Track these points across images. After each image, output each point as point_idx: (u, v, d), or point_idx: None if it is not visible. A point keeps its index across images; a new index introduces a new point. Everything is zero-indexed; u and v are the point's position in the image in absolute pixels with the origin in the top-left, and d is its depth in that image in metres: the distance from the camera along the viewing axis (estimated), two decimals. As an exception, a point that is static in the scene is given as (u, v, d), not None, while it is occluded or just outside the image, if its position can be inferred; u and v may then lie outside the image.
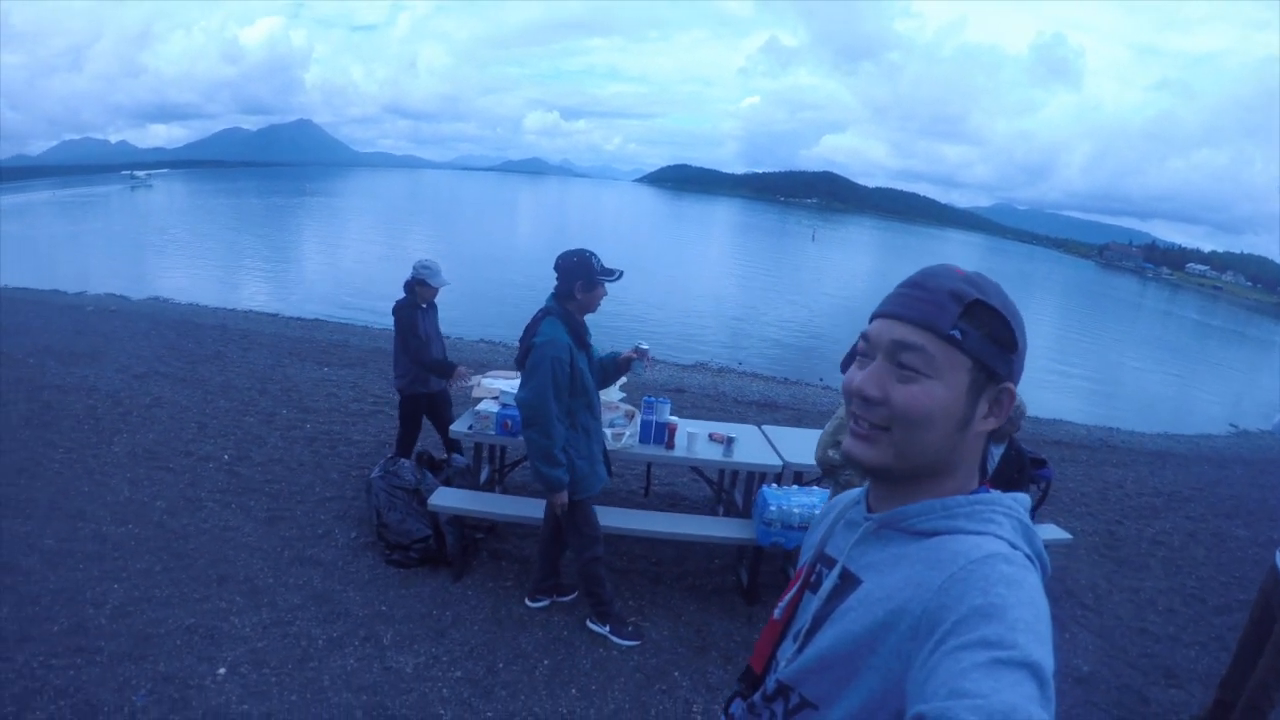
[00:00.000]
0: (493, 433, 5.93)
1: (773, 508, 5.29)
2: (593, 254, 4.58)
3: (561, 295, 4.59)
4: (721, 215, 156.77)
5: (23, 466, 6.75)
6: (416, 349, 6.46)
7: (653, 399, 6.00)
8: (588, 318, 4.72)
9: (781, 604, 1.38)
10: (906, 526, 1.18)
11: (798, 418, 11.42)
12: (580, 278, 4.52)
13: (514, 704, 4.26)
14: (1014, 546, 1.09)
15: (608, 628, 4.98)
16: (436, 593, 5.32)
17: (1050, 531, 6.38)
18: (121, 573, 5.18)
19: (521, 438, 4.67)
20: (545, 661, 4.68)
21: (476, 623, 5.01)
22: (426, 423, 6.95)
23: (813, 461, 5.91)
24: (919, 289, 1.19)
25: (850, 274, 54.34)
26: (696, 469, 6.74)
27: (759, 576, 5.76)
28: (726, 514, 6.62)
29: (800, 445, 6.29)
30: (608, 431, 5.48)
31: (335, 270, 29.93)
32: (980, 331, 1.15)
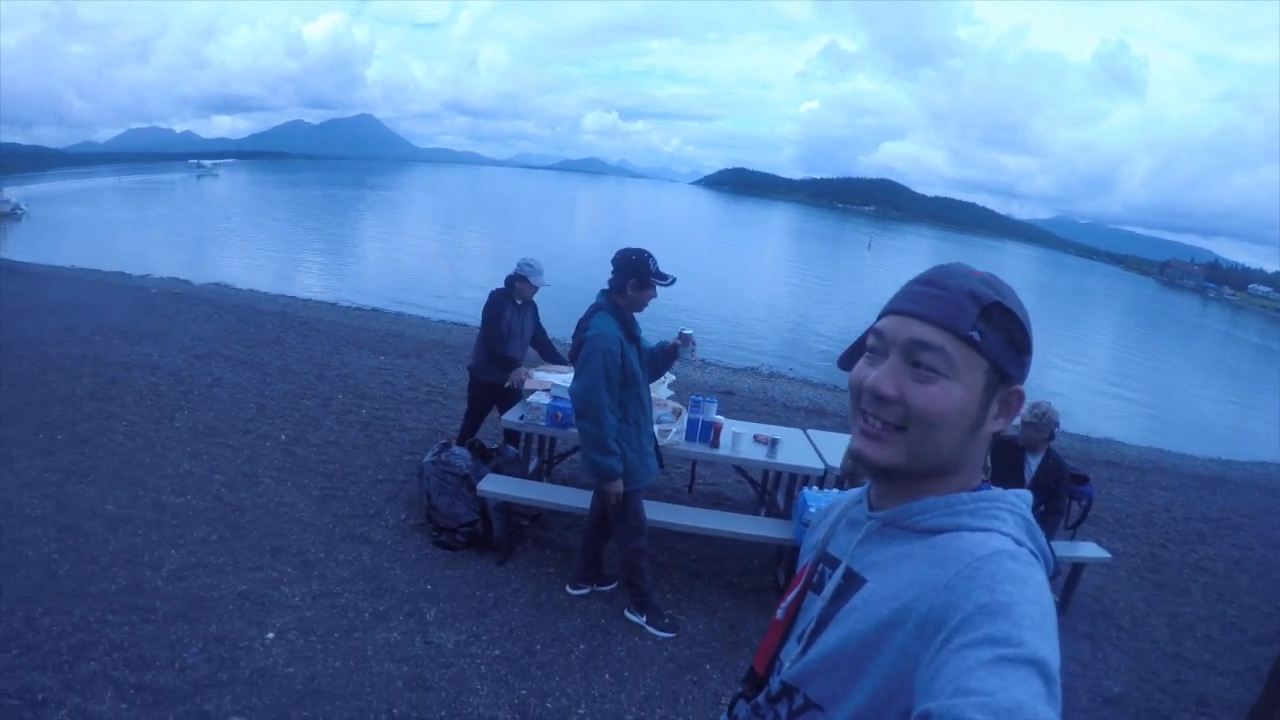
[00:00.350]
0: (543, 424, 6.05)
1: (812, 509, 5.33)
2: (650, 255, 4.70)
3: (614, 290, 4.72)
4: (778, 220, 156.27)
5: (86, 436, 6.99)
6: (490, 336, 6.60)
7: (700, 398, 6.08)
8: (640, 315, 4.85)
9: (784, 605, 1.37)
10: (910, 525, 1.18)
11: (845, 425, 11.27)
12: (634, 276, 4.65)
13: (548, 684, 4.38)
14: (1019, 543, 1.09)
15: (645, 618, 5.08)
16: (480, 575, 5.46)
17: (1089, 550, 6.39)
18: (179, 539, 5.37)
19: (571, 430, 4.79)
20: (581, 646, 4.79)
21: (517, 605, 5.14)
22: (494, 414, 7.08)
23: (856, 466, 5.99)
24: (937, 288, 1.17)
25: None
26: (740, 469, 6.83)
27: (795, 577, 5.81)
28: (768, 515, 6.68)
29: (843, 450, 6.36)
30: (655, 428, 5.60)
31: (394, 263, 30.29)
32: (998, 334, 1.15)
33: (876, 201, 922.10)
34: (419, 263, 30.74)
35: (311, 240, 35.79)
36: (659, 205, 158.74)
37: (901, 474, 1.20)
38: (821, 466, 6.00)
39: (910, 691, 1.00)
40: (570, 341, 5.64)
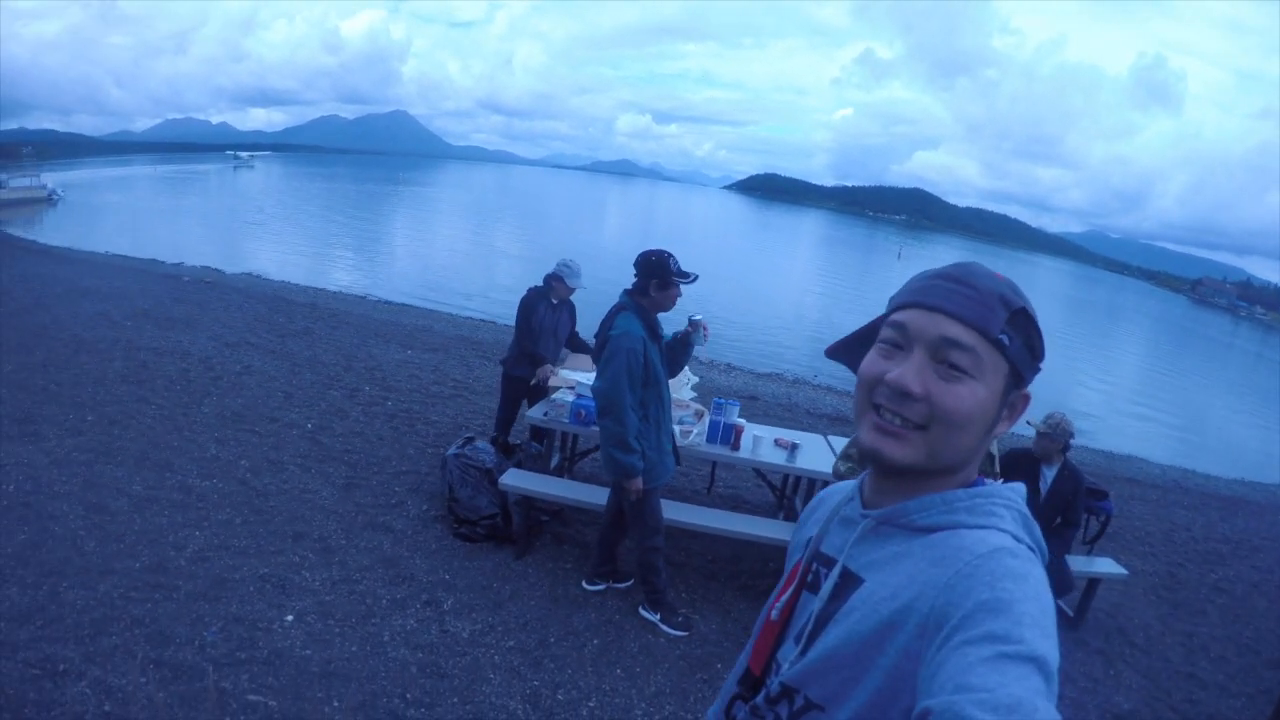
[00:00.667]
0: (566, 421, 6.12)
1: (830, 514, 5.37)
2: (671, 255, 4.76)
3: (637, 291, 4.78)
4: (808, 227, 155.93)
5: (116, 418, 7.12)
6: (522, 332, 6.71)
7: (722, 400, 6.13)
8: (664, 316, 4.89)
9: (778, 605, 1.34)
10: (906, 523, 1.16)
11: (868, 432, 11.35)
12: (656, 276, 4.71)
13: (560, 676, 4.43)
14: (1017, 539, 1.09)
15: (658, 615, 5.12)
16: (498, 567, 5.52)
17: (1106, 565, 6.37)
18: (203, 522, 5.47)
19: (593, 428, 4.84)
20: (595, 641, 4.84)
21: (533, 598, 5.19)
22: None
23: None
24: (968, 287, 1.16)
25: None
26: (760, 472, 6.84)
27: (810, 580, 5.83)
28: (787, 519, 6.66)
29: (863, 456, 6.37)
30: (676, 428, 5.64)
31: (424, 259, 30.47)
32: (1021, 339, 1.15)
33: (908, 211, 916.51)
34: (449, 260, 30.89)
35: (343, 234, 36.00)
36: (689, 209, 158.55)
37: (917, 473, 1.18)
38: (841, 471, 6.01)
39: (913, 690, 1.00)
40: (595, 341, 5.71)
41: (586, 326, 6.36)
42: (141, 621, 4.22)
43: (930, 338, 1.14)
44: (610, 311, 4.85)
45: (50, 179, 43.02)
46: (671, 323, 4.99)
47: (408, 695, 4.03)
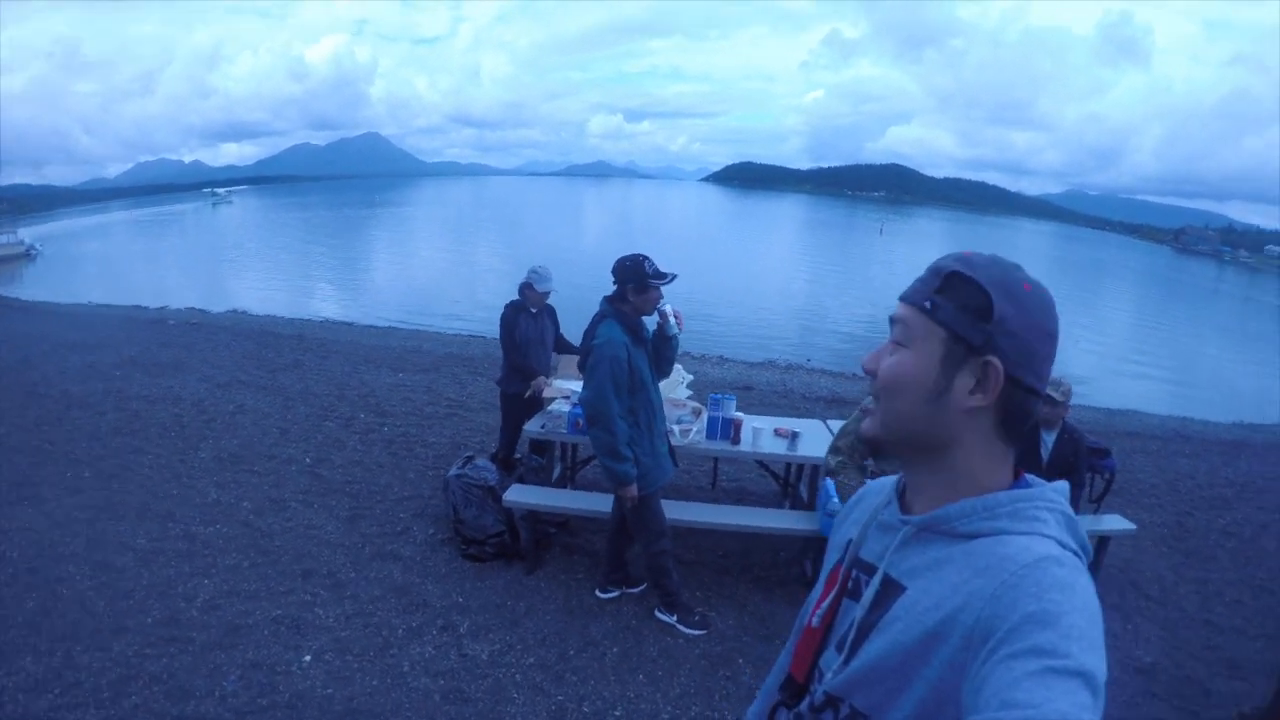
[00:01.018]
0: (564, 431, 6.12)
1: (835, 499, 5.36)
2: (646, 258, 4.75)
3: (616, 297, 4.79)
4: (788, 212, 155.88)
5: (114, 472, 7.07)
6: (507, 348, 6.71)
7: (719, 395, 6.14)
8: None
9: (819, 611, 1.33)
10: (948, 529, 1.15)
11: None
12: (632, 280, 4.71)
13: (584, 688, 4.41)
14: (1063, 545, 1.07)
15: (675, 617, 5.11)
16: (511, 585, 5.50)
17: (1114, 521, 6.35)
18: (211, 569, 5.44)
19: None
20: (614, 649, 4.82)
21: (549, 613, 5.18)
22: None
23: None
24: (926, 271, 1.23)
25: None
26: (762, 463, 6.84)
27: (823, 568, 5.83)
28: (793, 507, 6.71)
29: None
30: (675, 428, 5.64)
31: (406, 279, 30.48)
32: (954, 303, 1.16)
33: (886, 187, 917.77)
34: (431, 277, 30.90)
35: (324, 262, 36.01)
36: (667, 204, 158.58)
37: (883, 446, 1.23)
38: (843, 456, 6.01)
39: (958, 703, 0.99)
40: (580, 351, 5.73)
41: (571, 329, 6.39)
42: (159, 678, 4.19)
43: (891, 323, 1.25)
44: (593, 320, 4.84)
45: (27, 234, 42.95)
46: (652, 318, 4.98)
47: (433, 724, 4.02)
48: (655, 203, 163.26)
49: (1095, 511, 6.59)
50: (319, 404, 9.80)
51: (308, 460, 7.69)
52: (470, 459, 6.32)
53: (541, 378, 6.69)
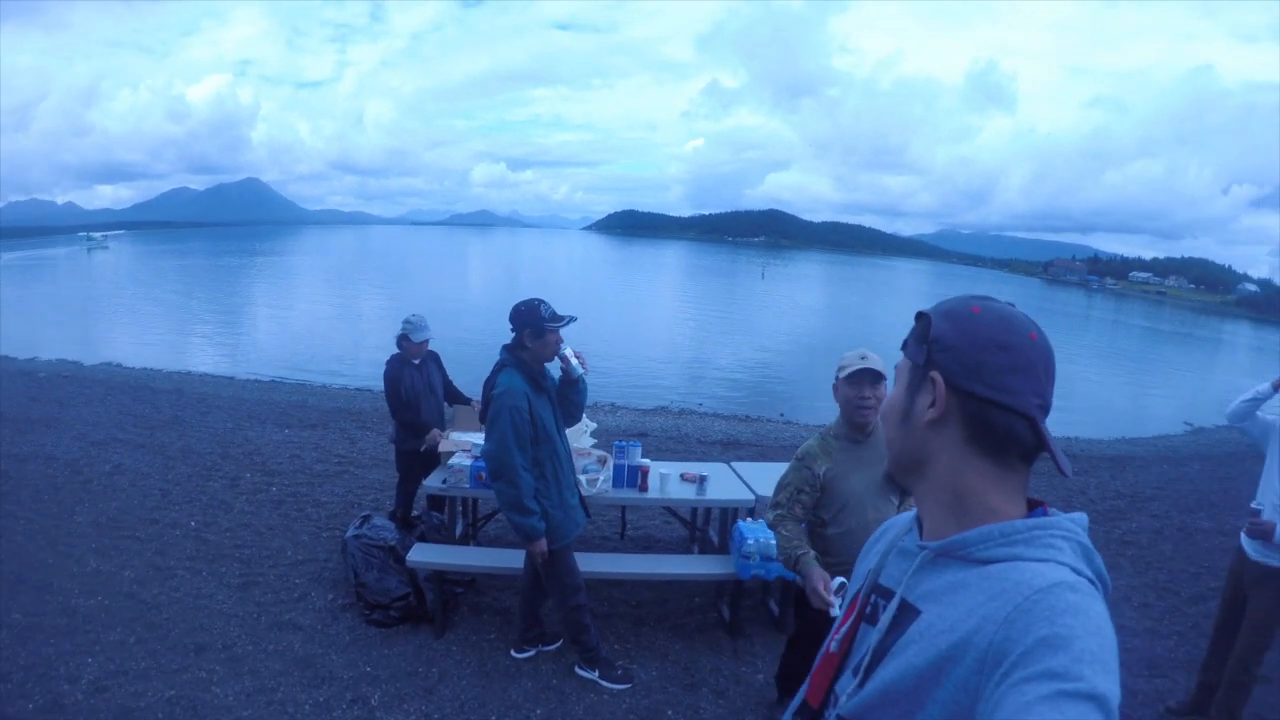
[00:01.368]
0: (467, 486, 5.90)
1: (750, 541, 5.31)
2: (541, 302, 4.64)
3: (514, 345, 4.67)
4: (671, 259, 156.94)
5: (-17, 540, 6.61)
6: (394, 407, 6.54)
7: (624, 443, 6.03)
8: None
9: (837, 637, 1.36)
10: (964, 555, 1.16)
11: (762, 453, 11.45)
12: (528, 326, 4.59)
13: (509, 756, 4.22)
14: (1077, 572, 1.08)
15: (597, 672, 4.96)
16: (420, 650, 5.26)
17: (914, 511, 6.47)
18: (94, 646, 5.07)
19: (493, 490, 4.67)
20: (538, 711, 4.64)
21: (464, 677, 4.95)
22: None
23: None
24: None
25: (801, 308, 54.77)
26: (670, 509, 6.76)
27: (740, 611, 5.79)
28: (702, 552, 6.66)
29: (770, 479, 6.28)
30: (582, 478, 5.49)
31: (290, 330, 29.67)
32: (915, 336, 1.28)
33: (766, 232, 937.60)
34: (316, 329, 30.13)
35: (203, 312, 34.90)
36: (551, 253, 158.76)
37: (892, 475, 1.35)
38: (752, 498, 5.98)
39: None
40: (479, 399, 5.58)
41: (465, 379, 6.25)
42: (45, 774, 3.87)
43: None
44: (493, 370, 4.71)
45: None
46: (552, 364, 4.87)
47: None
48: (539, 251, 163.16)
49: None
50: (202, 463, 9.35)
51: (193, 524, 7.29)
52: (367, 518, 6.09)
53: (435, 431, 6.51)
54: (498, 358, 4.71)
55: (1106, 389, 26.12)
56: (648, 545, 7.28)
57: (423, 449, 6.49)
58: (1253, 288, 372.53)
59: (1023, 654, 0.96)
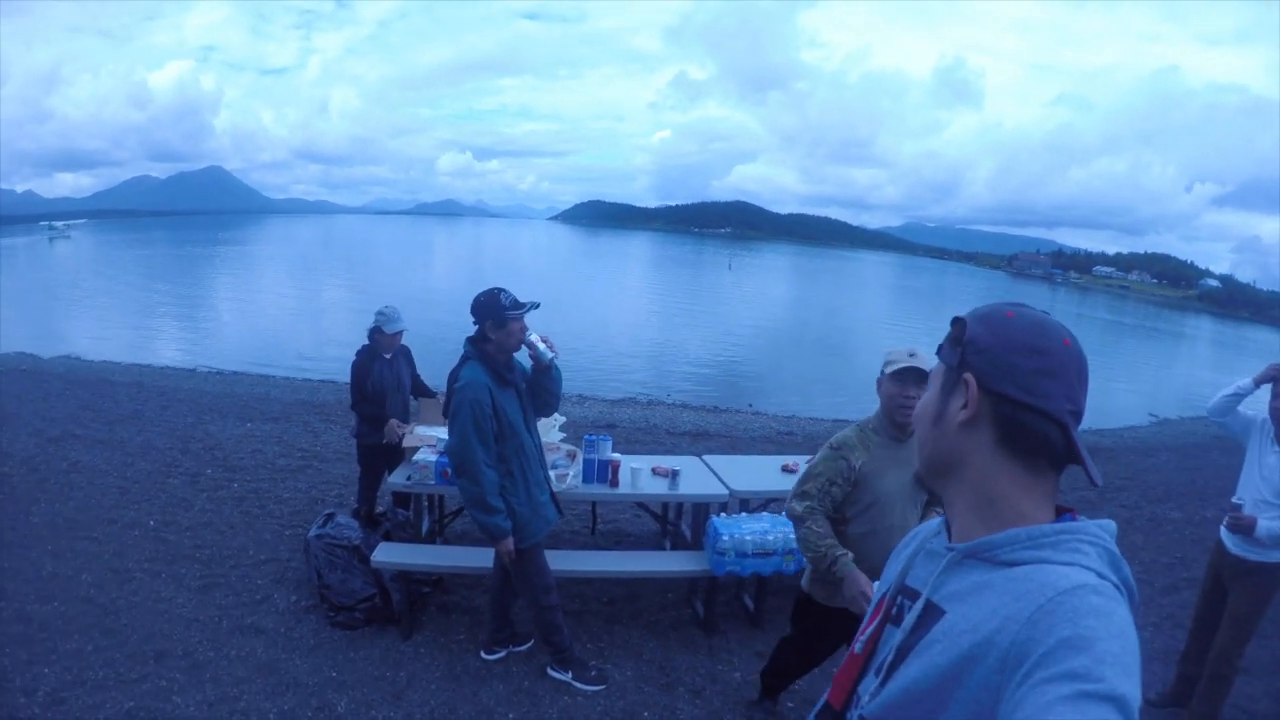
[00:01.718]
0: (433, 482, 5.75)
1: (725, 537, 5.24)
2: (501, 290, 4.49)
3: (477, 337, 4.52)
4: (637, 249, 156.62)
5: (-67, 544, 6.39)
6: (356, 399, 6.40)
7: (594, 437, 5.91)
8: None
9: (862, 638, 1.37)
10: (991, 557, 1.17)
11: (732, 444, 11.46)
12: (490, 316, 4.44)
13: (483, 764, 4.10)
14: (1101, 576, 1.09)
15: (570, 674, 4.85)
16: (387, 653, 5.12)
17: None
18: (50, 655, 4.89)
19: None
20: (510, 715, 4.53)
21: (433, 681, 4.82)
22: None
23: (758, 488, 5.86)
24: None
25: (767, 299, 54.90)
26: (641, 504, 6.65)
27: (715, 607, 5.70)
28: (674, 547, 6.57)
29: (743, 473, 6.30)
30: (551, 474, 5.36)
31: (252, 322, 29.30)
32: (949, 339, 1.32)
33: (732, 223, 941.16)
34: (279, 320, 29.79)
35: (165, 303, 34.36)
36: (517, 243, 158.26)
37: (924, 478, 1.37)
38: (725, 492, 5.91)
39: None
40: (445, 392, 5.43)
41: (433, 371, 6.12)
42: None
43: None
44: (457, 363, 4.58)
45: None
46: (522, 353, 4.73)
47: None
48: (505, 241, 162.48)
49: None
50: (161, 459, 9.13)
51: (152, 523, 7.10)
52: (330, 516, 5.93)
53: (394, 421, 6.34)
54: (463, 350, 4.57)
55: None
56: (619, 540, 7.18)
57: (384, 442, 6.35)
58: (1214, 283, 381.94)
59: (1044, 654, 0.97)
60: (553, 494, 4.88)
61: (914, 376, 3.46)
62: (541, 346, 4.62)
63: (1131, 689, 0.93)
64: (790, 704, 4.70)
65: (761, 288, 67.57)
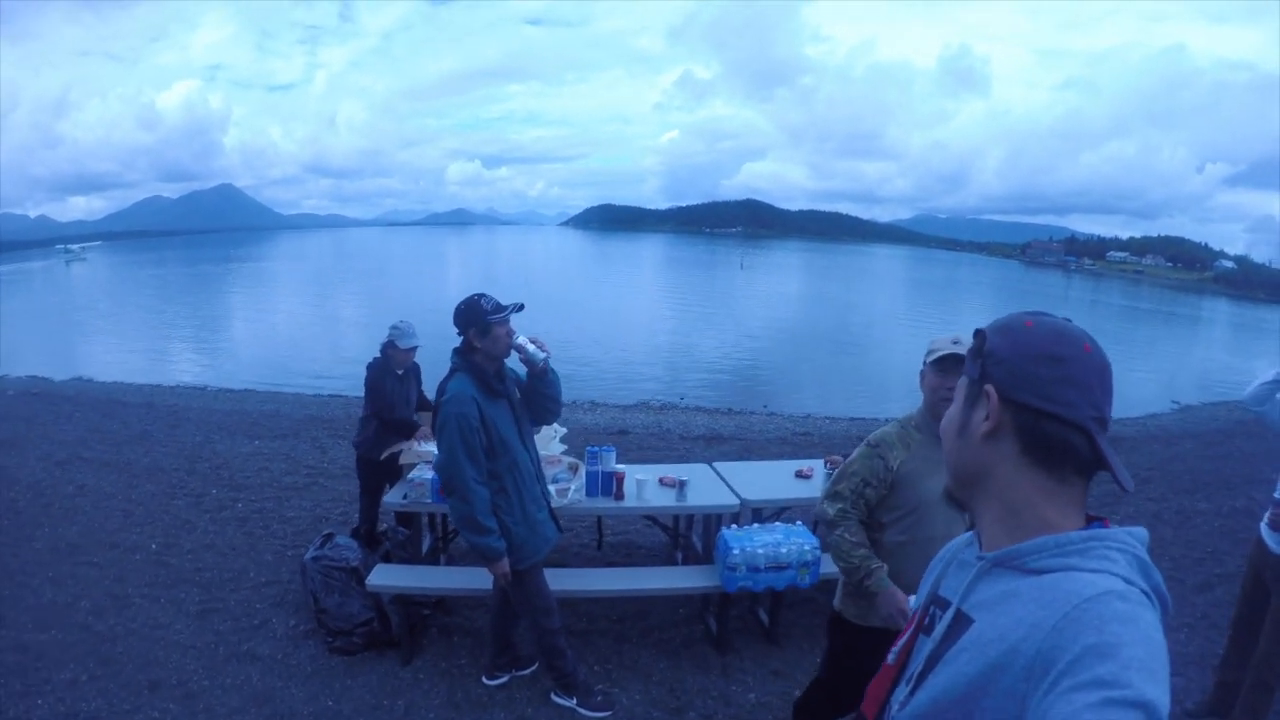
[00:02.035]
0: (429, 500, 5.52)
1: (735, 551, 5.02)
2: (481, 295, 4.28)
3: (463, 348, 4.31)
4: (649, 252, 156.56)
5: (-67, 573, 6.30)
6: (380, 407, 6.20)
7: (596, 448, 5.71)
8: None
9: (895, 649, 1.39)
10: (1019, 565, 1.18)
11: (746, 448, 11.27)
12: (473, 325, 4.23)
13: (482, 798, 3.95)
14: (1129, 583, 1.08)
15: (574, 700, 4.67)
16: (386, 680, 4.96)
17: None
18: (45, 685, 4.78)
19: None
20: (510, 745, 4.35)
21: (432, 709, 4.67)
22: None
23: (770, 497, 5.67)
24: None
25: (781, 297, 54.64)
26: (650, 516, 6.48)
27: (728, 623, 5.51)
28: (685, 560, 6.41)
29: (755, 480, 6.09)
30: (552, 488, 5.18)
31: (264, 338, 29.25)
32: (971, 351, 1.32)
33: (743, 222, 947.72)
34: (291, 335, 29.73)
35: (177, 322, 34.43)
36: (529, 249, 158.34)
37: (952, 492, 1.37)
38: (736, 502, 5.70)
39: None
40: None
41: (434, 382, 5.98)
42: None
43: None
44: (445, 377, 4.36)
45: None
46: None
47: None
48: (517, 248, 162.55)
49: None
50: (167, 480, 9.04)
51: (154, 546, 6.99)
52: (329, 537, 5.76)
53: (426, 428, 6.11)
54: (451, 362, 4.37)
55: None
56: (629, 553, 7.03)
57: (382, 456, 6.20)
58: (1229, 264, 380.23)
59: (1070, 661, 0.97)
60: (551, 511, 4.67)
61: (958, 365, 2.90)
62: (532, 348, 4.37)
63: (1159, 695, 0.92)
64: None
65: (774, 286, 67.30)
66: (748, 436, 12.48)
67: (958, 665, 1.16)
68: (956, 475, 1.33)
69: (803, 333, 33.40)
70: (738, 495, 5.77)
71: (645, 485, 5.67)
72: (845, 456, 3.54)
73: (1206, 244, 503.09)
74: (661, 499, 5.75)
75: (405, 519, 6.12)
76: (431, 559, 6.19)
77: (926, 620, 1.35)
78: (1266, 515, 4.23)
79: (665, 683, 5.00)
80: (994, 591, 1.19)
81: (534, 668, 5.02)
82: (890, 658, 1.39)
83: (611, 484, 5.60)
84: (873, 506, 3.32)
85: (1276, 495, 4.15)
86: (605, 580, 5.50)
